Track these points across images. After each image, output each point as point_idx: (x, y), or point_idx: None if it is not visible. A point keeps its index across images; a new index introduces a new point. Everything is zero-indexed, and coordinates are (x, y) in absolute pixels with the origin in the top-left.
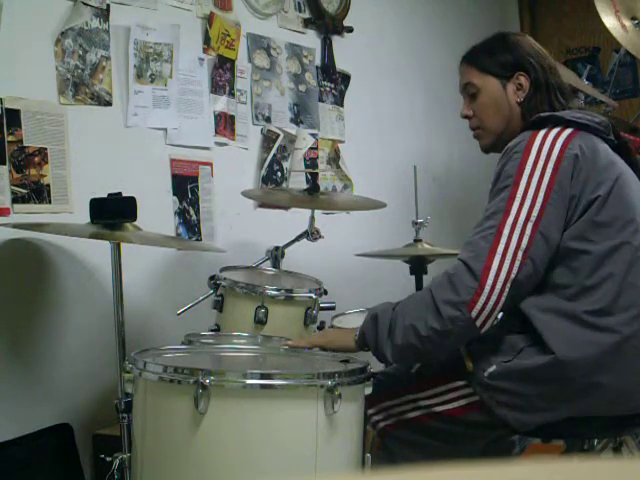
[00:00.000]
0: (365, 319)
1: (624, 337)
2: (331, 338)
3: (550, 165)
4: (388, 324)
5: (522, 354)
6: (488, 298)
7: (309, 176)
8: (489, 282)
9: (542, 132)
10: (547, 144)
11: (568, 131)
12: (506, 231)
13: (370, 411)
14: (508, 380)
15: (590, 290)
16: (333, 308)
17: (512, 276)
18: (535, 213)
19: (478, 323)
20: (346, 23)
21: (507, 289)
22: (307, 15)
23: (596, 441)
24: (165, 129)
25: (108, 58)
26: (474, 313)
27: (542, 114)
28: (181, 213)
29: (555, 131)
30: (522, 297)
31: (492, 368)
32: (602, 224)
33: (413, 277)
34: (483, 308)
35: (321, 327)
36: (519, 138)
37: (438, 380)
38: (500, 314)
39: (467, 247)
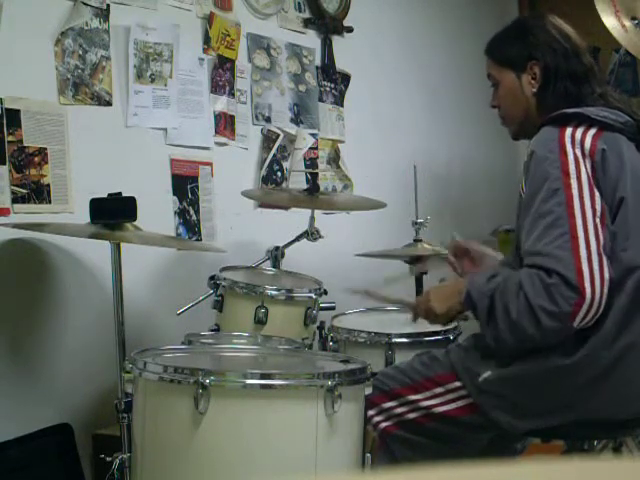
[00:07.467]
0: (463, 295)
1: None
2: (435, 312)
3: (588, 160)
4: (486, 312)
5: (518, 360)
6: (590, 306)
7: (309, 176)
8: (588, 290)
9: (569, 130)
10: (577, 141)
11: (593, 130)
12: (580, 234)
13: (370, 412)
14: (503, 386)
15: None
16: (333, 308)
17: (606, 276)
18: (598, 207)
19: (576, 327)
20: (346, 23)
21: (606, 291)
22: (307, 15)
23: (596, 441)
24: (165, 129)
25: (108, 58)
26: (576, 323)
27: (567, 111)
28: (181, 213)
29: (581, 130)
30: None
31: (487, 374)
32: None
33: (413, 277)
34: (585, 316)
35: (321, 327)
36: (543, 136)
37: (436, 381)
38: None
39: (544, 258)
